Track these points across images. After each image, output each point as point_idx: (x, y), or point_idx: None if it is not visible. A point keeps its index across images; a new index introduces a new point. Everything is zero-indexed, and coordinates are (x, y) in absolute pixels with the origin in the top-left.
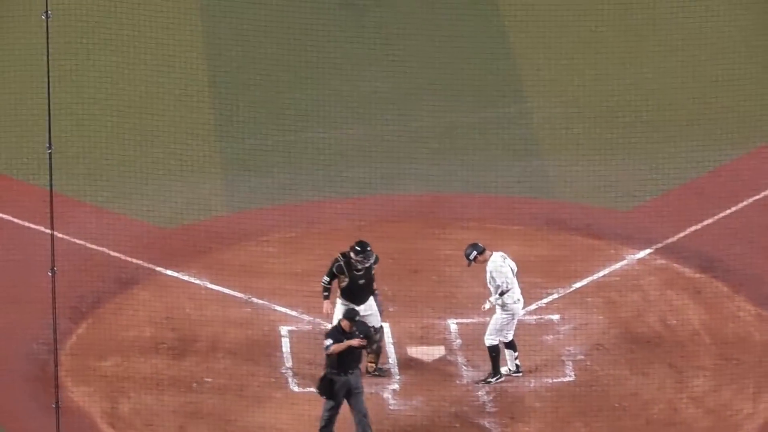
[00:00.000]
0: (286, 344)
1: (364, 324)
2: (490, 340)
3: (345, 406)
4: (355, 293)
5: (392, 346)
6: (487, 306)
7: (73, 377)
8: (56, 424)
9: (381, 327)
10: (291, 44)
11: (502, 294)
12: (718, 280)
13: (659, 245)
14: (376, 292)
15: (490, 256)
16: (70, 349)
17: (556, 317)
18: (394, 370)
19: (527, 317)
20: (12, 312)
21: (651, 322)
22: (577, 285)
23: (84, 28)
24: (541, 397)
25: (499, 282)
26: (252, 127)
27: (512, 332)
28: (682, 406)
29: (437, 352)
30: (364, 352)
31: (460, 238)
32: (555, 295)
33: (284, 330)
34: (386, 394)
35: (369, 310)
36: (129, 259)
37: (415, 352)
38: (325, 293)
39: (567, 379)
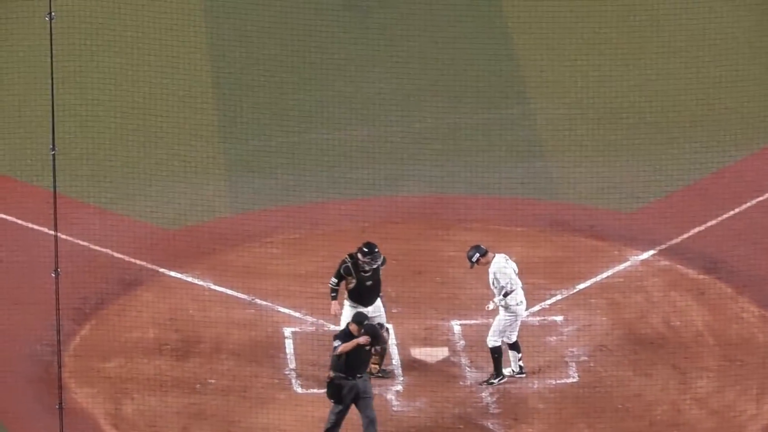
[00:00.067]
0: (289, 345)
1: (373, 326)
2: (492, 341)
3: (353, 410)
4: (363, 295)
5: (396, 348)
6: (491, 306)
7: (76, 378)
8: (60, 425)
9: (387, 328)
10: (294, 46)
11: (506, 295)
12: (722, 281)
13: (663, 246)
14: (381, 295)
15: (493, 257)
16: (74, 351)
17: (559, 318)
18: (398, 371)
19: (530, 318)
20: (16, 313)
21: (654, 323)
22: (581, 286)
23: (88, 30)
24: (544, 399)
25: (503, 283)
26: (255, 129)
27: (515, 333)
28: (685, 407)
29: (441, 353)
30: (373, 356)
31: (463, 240)
32: (558, 297)
33: (288, 331)
34: (390, 396)
35: (377, 311)
36: (132, 260)
37: (419, 353)
38: (333, 294)
39: (570, 380)
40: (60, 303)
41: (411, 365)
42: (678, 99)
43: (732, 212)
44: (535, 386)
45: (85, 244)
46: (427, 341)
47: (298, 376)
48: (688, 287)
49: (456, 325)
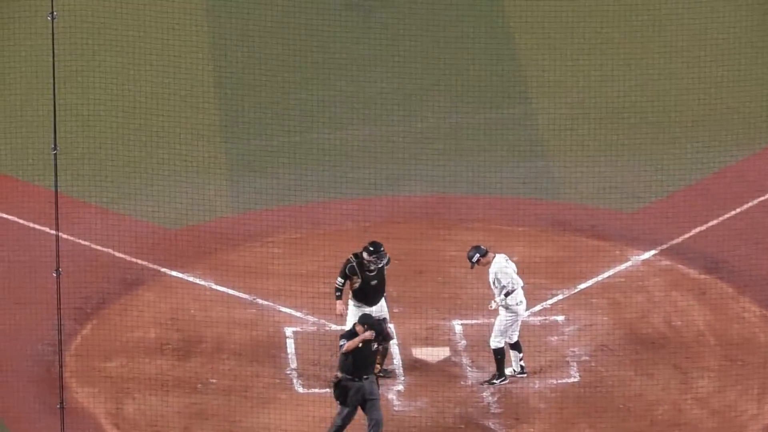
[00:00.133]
0: (291, 345)
1: (379, 322)
2: (495, 342)
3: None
4: (368, 294)
5: (397, 347)
6: (493, 305)
7: (78, 378)
8: (61, 424)
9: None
10: (296, 45)
11: (507, 295)
12: (723, 281)
13: (664, 246)
14: (385, 295)
15: (493, 257)
16: (75, 350)
17: (560, 318)
18: (399, 371)
19: (532, 318)
20: (17, 313)
21: (656, 323)
22: (582, 286)
23: (89, 29)
24: (545, 398)
25: (504, 283)
26: (257, 128)
27: (517, 333)
28: (686, 407)
29: (442, 353)
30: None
31: (465, 240)
32: (560, 296)
33: (289, 331)
34: (391, 395)
35: (381, 311)
36: (134, 260)
37: (420, 353)
38: (338, 293)
39: (572, 380)
40: (61, 302)
41: (412, 365)
42: (680, 99)
43: (733, 212)
44: (537, 386)
45: (86, 243)
46: (429, 341)
47: (300, 375)
48: (690, 287)
49: (457, 325)
